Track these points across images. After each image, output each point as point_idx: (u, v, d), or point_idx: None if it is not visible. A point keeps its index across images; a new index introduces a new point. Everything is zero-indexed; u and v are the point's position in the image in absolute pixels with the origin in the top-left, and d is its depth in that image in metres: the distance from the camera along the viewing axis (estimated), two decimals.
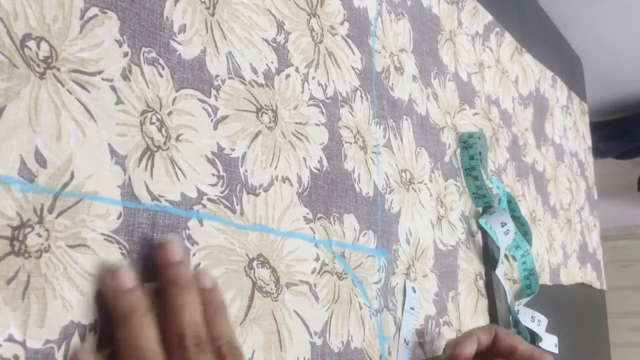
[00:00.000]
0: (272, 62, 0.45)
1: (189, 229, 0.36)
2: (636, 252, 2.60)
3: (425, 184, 0.61)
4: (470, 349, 0.51)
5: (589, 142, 1.19)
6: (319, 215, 0.47)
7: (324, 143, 0.49)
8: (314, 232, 0.46)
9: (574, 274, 0.97)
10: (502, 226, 0.67)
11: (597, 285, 1.09)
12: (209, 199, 0.38)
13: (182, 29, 0.38)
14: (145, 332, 0.30)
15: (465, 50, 0.75)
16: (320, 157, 0.48)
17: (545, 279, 0.86)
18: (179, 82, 0.37)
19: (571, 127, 1.08)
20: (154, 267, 0.33)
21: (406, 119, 0.60)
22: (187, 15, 0.38)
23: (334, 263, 0.47)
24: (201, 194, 0.37)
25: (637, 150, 2.17)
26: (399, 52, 0.61)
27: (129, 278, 0.31)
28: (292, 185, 0.45)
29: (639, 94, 2.00)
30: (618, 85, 1.92)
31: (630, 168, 2.31)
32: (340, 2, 0.53)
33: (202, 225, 0.37)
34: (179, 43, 0.38)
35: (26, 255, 0.27)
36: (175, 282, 0.33)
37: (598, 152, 1.40)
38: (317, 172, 0.47)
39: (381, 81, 0.57)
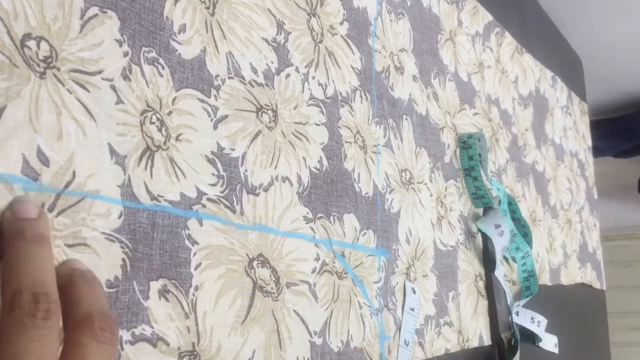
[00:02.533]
0: (272, 62, 0.45)
1: (188, 228, 0.36)
2: (636, 252, 2.60)
3: (425, 184, 0.61)
4: None
5: (589, 142, 1.19)
6: (319, 215, 0.47)
7: (323, 143, 0.49)
8: (314, 232, 0.46)
9: (574, 274, 0.98)
10: (496, 228, 0.67)
11: (597, 285, 1.09)
12: (209, 199, 0.38)
13: (182, 28, 0.38)
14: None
15: (466, 50, 0.75)
16: (320, 157, 0.48)
17: (545, 279, 0.86)
18: (179, 81, 0.37)
19: (571, 127, 1.08)
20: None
21: (406, 119, 0.60)
22: (187, 14, 0.38)
23: (334, 262, 0.47)
24: (201, 193, 0.37)
25: (637, 149, 2.17)
26: (399, 52, 0.61)
27: None
28: (292, 185, 0.45)
29: (638, 94, 2.00)
30: (618, 85, 1.92)
31: (630, 168, 2.32)
32: (340, 1, 0.53)
33: (201, 225, 0.37)
34: (179, 43, 0.38)
35: None
36: (20, 233, 0.26)
37: (597, 150, 1.39)
38: (317, 171, 0.47)
39: (381, 81, 0.57)
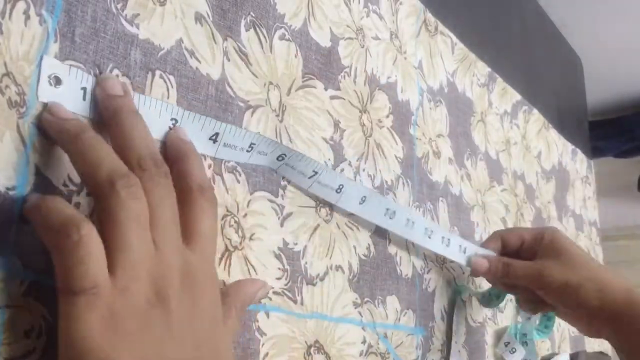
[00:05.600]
0: (329, 159, 0.49)
1: (257, 321, 0.40)
2: (636, 252, 2.57)
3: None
4: (483, 268, 0.57)
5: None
6: (365, 299, 0.50)
7: (371, 230, 0.52)
8: (361, 316, 0.49)
9: (591, 341, 1.00)
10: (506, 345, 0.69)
11: (610, 352, 1.11)
12: (275, 292, 0.41)
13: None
14: (101, 146, 0.28)
15: (494, 129, 0.79)
16: (368, 244, 0.52)
17: (565, 347, 0.89)
18: (252, 185, 0.41)
19: (590, 196, 1.12)
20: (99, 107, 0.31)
21: (442, 200, 0.64)
22: (260, 124, 0.43)
23: (378, 344, 0.51)
24: (268, 288, 0.41)
25: (637, 149, 2.18)
26: (436, 138, 0.65)
27: (64, 111, 0.29)
28: (344, 272, 0.48)
29: (638, 94, 2.00)
30: (618, 85, 1.92)
31: (630, 168, 2.32)
32: (387, 96, 0.58)
33: (268, 317, 0.41)
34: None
35: None
36: (120, 108, 0.30)
37: (598, 150, 1.39)
38: (365, 258, 0.51)
39: (421, 166, 0.62)
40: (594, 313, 0.53)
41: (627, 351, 0.53)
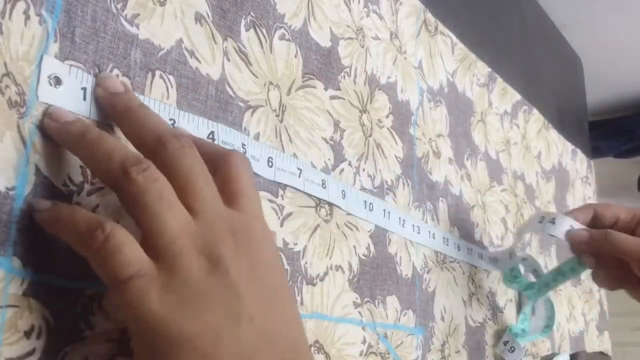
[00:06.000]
0: (329, 159, 0.49)
1: None
2: None
3: (458, 262, 0.65)
4: (584, 237, 0.57)
5: None
6: (365, 299, 0.50)
7: (371, 230, 0.52)
8: (362, 316, 0.49)
9: (592, 342, 1.00)
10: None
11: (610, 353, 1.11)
12: None
13: (257, 136, 0.42)
14: (108, 140, 0.28)
15: (495, 129, 0.79)
16: (368, 244, 0.52)
17: (565, 347, 0.89)
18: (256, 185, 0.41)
19: (590, 196, 1.12)
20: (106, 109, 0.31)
21: (442, 201, 0.64)
22: (260, 124, 0.43)
23: (378, 344, 0.51)
24: None
25: (637, 149, 2.17)
26: (436, 138, 0.65)
27: (66, 113, 0.29)
28: (344, 272, 0.48)
29: (638, 94, 1.99)
30: (618, 85, 1.91)
31: (630, 168, 2.31)
32: (387, 96, 0.58)
33: None
34: (253, 150, 0.42)
35: None
36: (130, 104, 0.31)
37: (598, 151, 1.39)
38: (365, 258, 0.51)
39: (421, 166, 0.62)
40: None
41: None
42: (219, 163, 0.31)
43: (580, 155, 1.10)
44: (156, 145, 0.28)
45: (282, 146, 0.44)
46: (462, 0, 0.79)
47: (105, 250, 0.25)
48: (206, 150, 0.31)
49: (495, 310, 0.71)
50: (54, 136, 0.29)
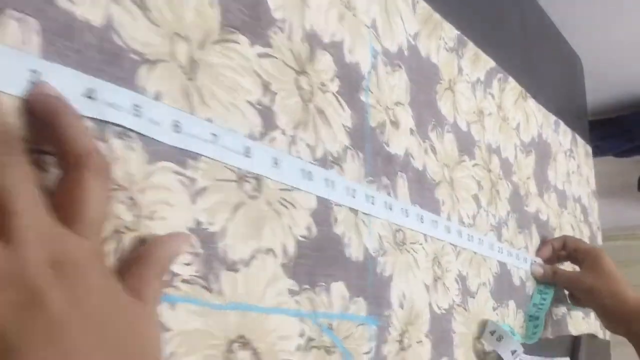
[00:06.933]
0: (256, 127, 0.42)
1: (159, 314, 0.33)
2: (636, 252, 2.59)
3: (421, 243, 0.58)
4: (546, 253, 0.84)
5: (593, 186, 1.16)
6: (304, 287, 0.44)
7: (312, 208, 0.46)
8: (300, 305, 0.43)
9: (578, 323, 0.94)
10: (512, 354, 0.66)
11: (601, 335, 1.05)
12: (183, 280, 0.35)
13: (157, 96, 0.36)
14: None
15: (465, 98, 0.73)
16: (309, 224, 0.45)
17: (547, 332, 0.83)
18: (152, 154, 0.35)
19: (574, 171, 1.06)
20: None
21: (401, 175, 0.57)
22: (163, 82, 0.36)
23: (322, 336, 0.45)
24: (173, 275, 0.35)
25: (638, 149, 2.17)
26: (394, 106, 0.59)
27: None
28: (276, 256, 0.42)
29: (638, 94, 1.99)
30: (618, 85, 1.91)
31: (630, 168, 2.31)
32: (332, 57, 0.51)
33: (174, 309, 0.34)
34: (151, 111, 0.35)
35: None
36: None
37: (598, 150, 1.39)
38: (304, 240, 0.45)
39: (376, 137, 0.55)
40: (609, 313, 0.76)
41: (638, 343, 0.73)
42: (67, 170, 0.27)
43: (564, 127, 1.03)
44: None
45: (192, 108, 0.38)
46: (462, 0, 0.74)
47: None
48: (57, 149, 0.28)
49: (466, 296, 0.65)
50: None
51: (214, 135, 0.39)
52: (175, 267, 0.35)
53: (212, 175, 0.38)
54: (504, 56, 0.85)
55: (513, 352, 0.66)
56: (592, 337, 1.02)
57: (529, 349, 0.75)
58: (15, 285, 0.22)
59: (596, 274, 0.77)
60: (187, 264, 0.35)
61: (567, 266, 0.87)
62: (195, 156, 0.37)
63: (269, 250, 0.41)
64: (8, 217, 0.23)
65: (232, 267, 0.38)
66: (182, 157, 0.36)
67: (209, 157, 0.38)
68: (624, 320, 0.74)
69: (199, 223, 0.37)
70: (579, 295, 0.80)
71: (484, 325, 0.67)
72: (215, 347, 0.36)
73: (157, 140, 0.35)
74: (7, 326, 0.22)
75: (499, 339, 0.66)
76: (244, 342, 0.38)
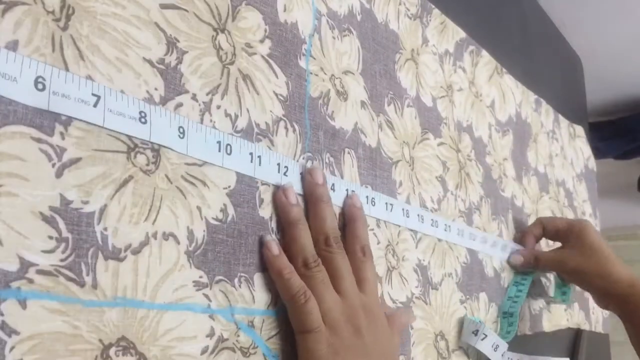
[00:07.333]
0: (155, 89, 0.36)
1: (2, 314, 0.27)
2: (636, 252, 2.59)
3: (372, 229, 0.52)
4: (531, 245, 0.77)
5: (578, 169, 1.10)
6: (217, 278, 0.37)
7: (229, 187, 0.39)
8: (210, 300, 0.37)
9: (559, 317, 0.88)
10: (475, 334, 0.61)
11: (585, 327, 0.99)
12: (40, 271, 0.29)
13: (12, 46, 0.29)
14: (305, 234, 0.42)
15: (431, 71, 0.66)
16: (224, 205, 0.39)
17: (524, 327, 0.77)
18: (2, 116, 0.28)
19: (558, 153, 0.99)
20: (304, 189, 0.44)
21: (348, 152, 0.51)
22: (23, 29, 0.30)
23: (238, 336, 0.38)
24: (26, 265, 0.28)
25: (638, 150, 2.16)
26: (342, 75, 0.52)
27: (294, 196, 0.42)
28: (178, 242, 0.35)
29: (639, 94, 1.98)
30: (618, 85, 1.91)
31: (631, 168, 2.31)
32: (261, 15, 0.44)
33: (24, 307, 0.28)
34: (6, 65, 0.29)
35: None
36: (320, 198, 0.44)
37: (598, 152, 1.36)
38: (217, 223, 0.38)
39: (317, 108, 0.48)
40: (601, 292, 0.72)
41: (631, 322, 0.70)
42: (355, 257, 0.45)
43: (546, 106, 0.97)
44: (322, 242, 0.43)
45: (65, 64, 0.31)
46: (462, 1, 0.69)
47: (304, 310, 0.39)
48: (350, 241, 0.46)
49: (427, 287, 0.58)
50: (279, 208, 0.42)
51: (96, 96, 0.32)
52: (30, 255, 0.28)
53: (89, 144, 0.32)
54: (504, 56, 0.82)
55: (496, 348, 0.60)
56: (593, 333, 0.96)
57: (529, 349, 0.70)
58: (349, 322, 0.41)
59: (582, 252, 0.72)
60: (48, 252, 0.29)
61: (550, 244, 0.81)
62: (67, 121, 0.31)
63: (169, 235, 0.35)
64: (339, 283, 0.42)
65: (113, 255, 0.32)
66: (46, 120, 0.30)
67: (87, 122, 0.32)
68: (617, 300, 0.71)
69: (65, 202, 0.30)
70: (566, 276, 0.77)
71: (460, 324, 0.62)
72: (81, 353, 0.29)
73: (11, 100, 0.29)
74: (343, 342, 0.40)
75: (482, 337, 0.60)
76: (126, 347, 0.32)
